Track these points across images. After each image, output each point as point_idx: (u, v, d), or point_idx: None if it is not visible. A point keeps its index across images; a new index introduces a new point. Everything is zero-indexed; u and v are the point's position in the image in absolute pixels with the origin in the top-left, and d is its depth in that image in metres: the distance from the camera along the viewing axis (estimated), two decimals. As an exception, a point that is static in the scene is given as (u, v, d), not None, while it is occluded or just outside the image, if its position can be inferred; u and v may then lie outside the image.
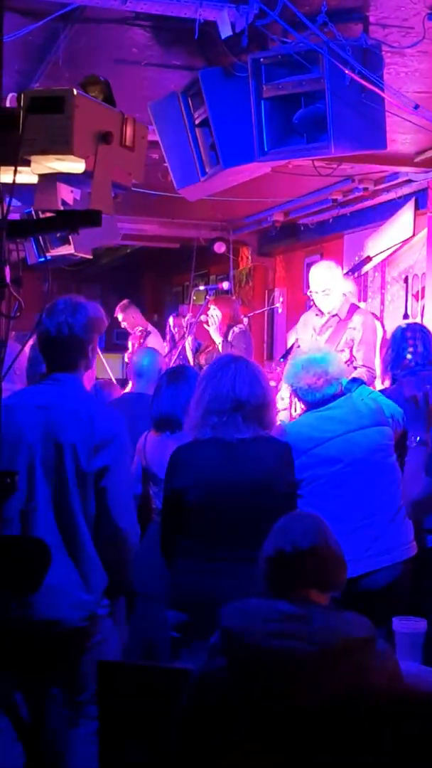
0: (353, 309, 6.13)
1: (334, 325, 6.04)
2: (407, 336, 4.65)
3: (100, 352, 3.54)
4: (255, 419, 3.49)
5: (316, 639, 2.21)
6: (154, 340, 8.95)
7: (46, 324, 3.22)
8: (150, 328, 9.22)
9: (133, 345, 8.94)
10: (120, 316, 9.23)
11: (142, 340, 8.90)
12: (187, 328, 7.94)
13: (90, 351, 3.34)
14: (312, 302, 6.23)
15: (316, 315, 6.17)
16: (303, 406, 4.23)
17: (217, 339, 7.32)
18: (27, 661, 3.15)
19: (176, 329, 8.99)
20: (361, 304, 6.87)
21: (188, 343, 7.67)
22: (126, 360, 9.06)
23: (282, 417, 5.14)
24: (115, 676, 2.91)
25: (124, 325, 9.23)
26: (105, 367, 7.63)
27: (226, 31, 4.00)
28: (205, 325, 7.42)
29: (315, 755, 1.96)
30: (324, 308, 6.06)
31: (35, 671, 3.18)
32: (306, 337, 6.25)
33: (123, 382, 7.00)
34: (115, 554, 3.24)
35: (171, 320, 9.31)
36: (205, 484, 3.46)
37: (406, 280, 7.71)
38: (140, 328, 9.00)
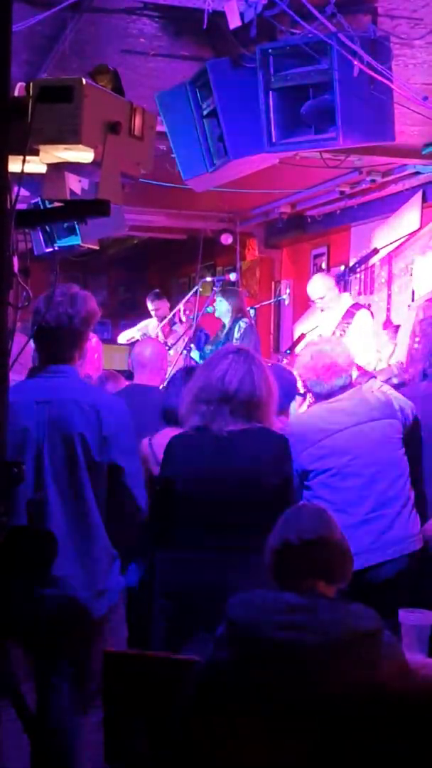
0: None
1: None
2: None
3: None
4: (243, 413, 3.45)
5: (323, 630, 2.21)
6: (181, 330, 8.91)
7: (45, 315, 3.20)
8: (177, 318, 9.23)
9: (163, 331, 8.94)
10: (153, 305, 9.25)
11: (171, 327, 8.91)
12: (194, 318, 7.94)
13: (84, 343, 3.35)
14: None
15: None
16: (312, 398, 4.23)
17: (226, 325, 7.40)
18: (40, 647, 3.16)
19: (187, 312, 8.97)
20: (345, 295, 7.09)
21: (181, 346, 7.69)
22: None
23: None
24: (121, 666, 2.91)
25: (152, 312, 9.24)
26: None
27: (234, 22, 3.99)
28: (213, 309, 7.50)
29: (323, 748, 1.96)
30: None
31: (48, 659, 3.19)
32: (313, 329, 6.37)
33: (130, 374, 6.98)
34: (134, 537, 3.36)
35: (181, 306, 9.31)
36: (193, 475, 3.47)
37: (412, 272, 7.70)
38: (168, 318, 9.01)
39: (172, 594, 3.45)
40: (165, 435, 4.05)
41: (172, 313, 8.92)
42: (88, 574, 3.18)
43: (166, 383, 4.32)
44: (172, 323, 8.91)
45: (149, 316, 9.48)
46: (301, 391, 4.45)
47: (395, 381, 4.78)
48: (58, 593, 3.08)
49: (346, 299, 6.95)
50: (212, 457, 3.45)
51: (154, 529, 3.58)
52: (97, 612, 3.20)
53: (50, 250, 5.58)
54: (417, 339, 4.60)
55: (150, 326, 9.29)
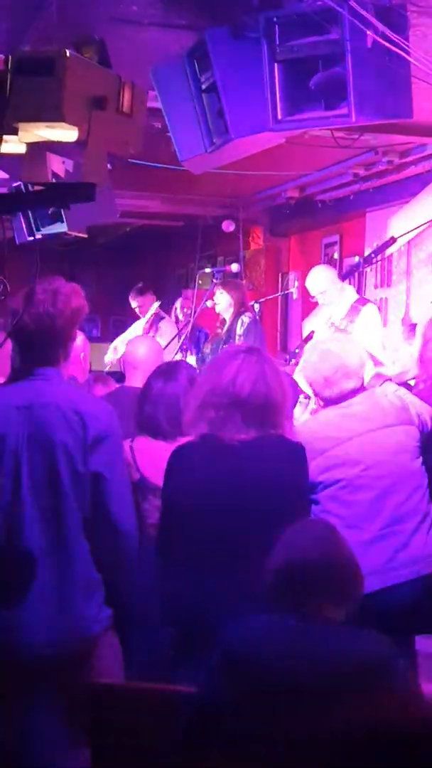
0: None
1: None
2: None
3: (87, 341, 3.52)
4: (257, 419, 3.41)
5: (329, 660, 2.21)
6: (168, 327, 8.94)
7: (24, 315, 3.18)
8: (163, 313, 9.25)
9: (144, 331, 8.95)
10: (135, 302, 9.26)
11: (154, 326, 8.92)
12: (192, 314, 7.96)
13: (69, 343, 3.33)
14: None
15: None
16: (320, 403, 4.23)
17: (227, 321, 7.41)
18: (15, 686, 3.17)
19: (185, 310, 8.99)
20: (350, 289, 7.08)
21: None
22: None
23: None
24: (109, 699, 2.92)
25: (136, 309, 9.26)
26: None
27: (235, -13, 4.00)
28: (213, 303, 7.50)
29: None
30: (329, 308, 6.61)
31: (25, 697, 3.19)
32: (322, 327, 6.37)
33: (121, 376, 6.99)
34: (116, 556, 3.27)
35: (178, 303, 9.33)
36: (203, 492, 3.41)
37: (434, 263, 7.72)
38: (153, 313, 9.02)
39: (177, 619, 3.43)
40: (144, 442, 4.05)
41: (152, 310, 8.93)
42: (63, 601, 3.17)
43: (143, 387, 4.29)
44: (158, 319, 8.91)
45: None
46: (310, 395, 4.45)
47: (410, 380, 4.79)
48: (36, 618, 3.08)
49: (351, 294, 6.88)
50: (222, 470, 3.40)
51: (160, 553, 3.56)
52: (82, 640, 3.19)
53: (33, 238, 5.60)
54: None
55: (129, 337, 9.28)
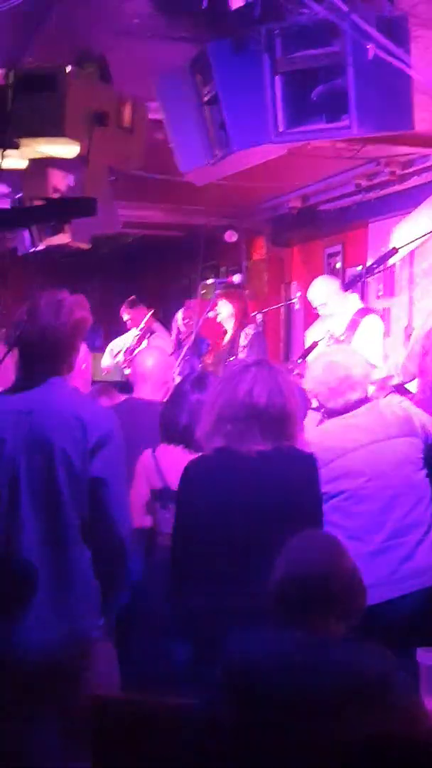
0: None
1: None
2: None
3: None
4: (274, 431, 3.41)
5: (330, 673, 2.21)
6: (160, 340, 8.98)
7: (27, 329, 3.20)
8: (155, 326, 9.28)
9: (135, 345, 9.02)
10: (127, 314, 9.30)
11: (144, 341, 8.98)
12: (195, 324, 7.98)
13: (74, 354, 3.35)
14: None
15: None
16: (323, 414, 4.23)
17: (230, 332, 7.41)
18: (14, 694, 3.17)
19: (186, 321, 9.03)
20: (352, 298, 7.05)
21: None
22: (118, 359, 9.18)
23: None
24: (111, 711, 2.91)
25: (128, 322, 9.29)
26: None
27: (237, 1, 4.00)
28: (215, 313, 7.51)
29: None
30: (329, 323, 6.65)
31: (20, 708, 3.19)
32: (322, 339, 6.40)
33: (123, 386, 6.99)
34: (113, 563, 3.28)
35: (180, 314, 9.35)
36: (220, 505, 3.40)
37: (437, 273, 7.71)
38: (143, 326, 9.08)
39: (192, 636, 3.41)
40: (169, 450, 4.05)
41: (142, 324, 8.99)
42: (61, 607, 3.17)
43: (170, 395, 4.29)
44: (149, 333, 8.98)
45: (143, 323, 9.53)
46: (314, 405, 4.46)
47: (397, 381, 4.81)
48: (31, 628, 3.09)
49: (354, 304, 6.89)
50: (240, 483, 3.40)
51: (175, 568, 3.54)
52: (78, 648, 3.20)
53: (35, 249, 5.62)
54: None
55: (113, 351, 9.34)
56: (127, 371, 8.71)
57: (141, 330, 9.10)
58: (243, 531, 3.37)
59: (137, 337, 9.11)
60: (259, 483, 3.39)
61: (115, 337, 9.95)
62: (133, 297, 9.56)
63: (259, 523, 3.36)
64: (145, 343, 9.05)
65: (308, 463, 3.52)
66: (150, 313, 9.23)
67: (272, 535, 3.24)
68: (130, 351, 9.10)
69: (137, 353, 5.72)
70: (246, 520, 3.37)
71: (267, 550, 3.22)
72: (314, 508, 3.51)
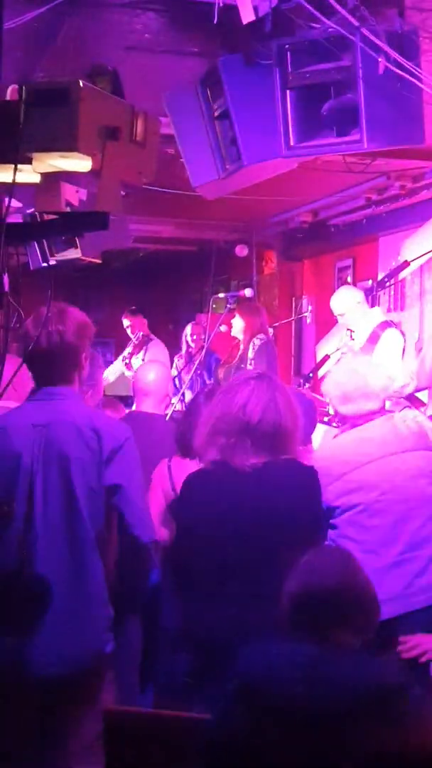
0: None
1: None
2: None
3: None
4: (266, 446, 3.40)
5: (345, 686, 2.20)
6: (157, 350, 9.10)
7: (34, 335, 3.23)
8: (152, 336, 9.46)
9: (132, 353, 9.33)
10: (127, 320, 9.54)
11: (143, 348, 9.15)
12: (206, 339, 8.01)
13: (83, 361, 3.39)
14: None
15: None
16: (338, 425, 4.23)
17: (242, 346, 7.45)
18: (28, 706, 3.17)
19: (194, 337, 9.11)
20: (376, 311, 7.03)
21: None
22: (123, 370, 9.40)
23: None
24: (123, 725, 2.91)
25: (128, 329, 9.61)
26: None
27: (247, 16, 4.02)
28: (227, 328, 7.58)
29: None
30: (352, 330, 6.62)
31: (39, 718, 3.19)
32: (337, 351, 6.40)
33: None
34: (135, 568, 3.33)
35: (188, 328, 9.40)
36: (214, 515, 3.41)
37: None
38: (141, 333, 9.30)
39: (194, 647, 3.42)
40: (183, 463, 4.06)
41: (138, 334, 9.30)
42: (76, 620, 3.18)
43: (185, 409, 4.31)
44: (147, 340, 9.21)
45: (157, 337, 9.66)
46: (331, 412, 4.46)
47: (412, 388, 4.82)
48: (42, 641, 3.10)
49: (377, 316, 6.82)
50: (235, 495, 3.40)
51: (176, 580, 3.56)
52: (92, 662, 3.21)
53: (47, 264, 5.63)
54: None
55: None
56: (128, 373, 8.93)
57: (137, 340, 9.40)
58: (237, 543, 3.37)
59: (136, 346, 9.40)
60: (252, 496, 3.39)
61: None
62: (134, 306, 9.84)
63: (254, 535, 3.36)
64: (142, 354, 9.28)
65: (307, 475, 3.50)
66: (145, 323, 9.62)
67: (267, 547, 3.31)
68: (129, 357, 9.43)
69: (138, 369, 5.75)
70: (240, 533, 3.37)
71: (263, 562, 3.28)
72: (313, 520, 3.51)
